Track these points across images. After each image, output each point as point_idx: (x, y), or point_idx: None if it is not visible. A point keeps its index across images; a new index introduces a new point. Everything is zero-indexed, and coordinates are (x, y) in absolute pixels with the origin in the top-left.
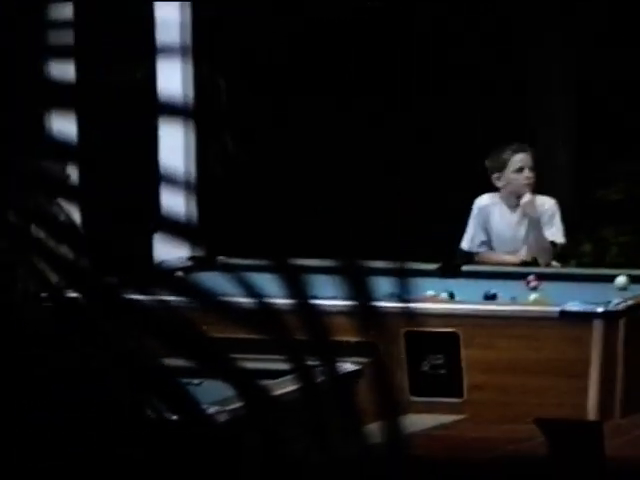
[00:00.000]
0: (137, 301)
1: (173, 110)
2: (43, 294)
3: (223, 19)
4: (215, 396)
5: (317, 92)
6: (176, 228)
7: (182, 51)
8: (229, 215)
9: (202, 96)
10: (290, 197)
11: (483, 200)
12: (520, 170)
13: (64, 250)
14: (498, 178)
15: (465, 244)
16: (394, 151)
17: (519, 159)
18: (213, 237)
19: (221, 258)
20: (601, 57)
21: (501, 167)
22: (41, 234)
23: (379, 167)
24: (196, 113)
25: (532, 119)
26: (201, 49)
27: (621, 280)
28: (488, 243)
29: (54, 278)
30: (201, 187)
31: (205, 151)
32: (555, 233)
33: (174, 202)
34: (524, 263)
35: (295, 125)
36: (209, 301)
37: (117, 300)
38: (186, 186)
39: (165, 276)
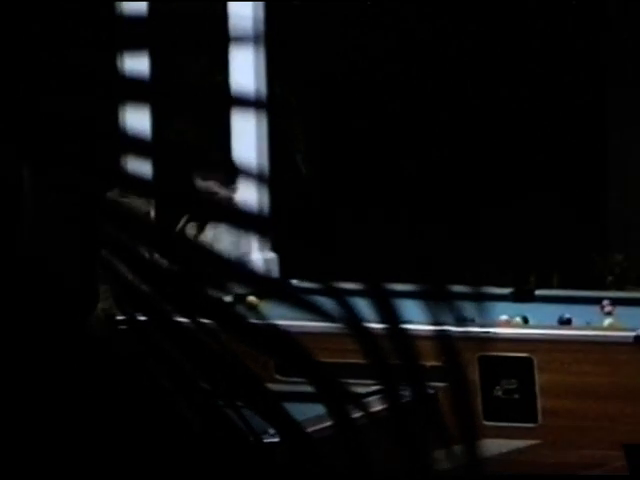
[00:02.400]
0: (244, 319)
1: (246, 103)
2: (121, 316)
3: (297, 38)
4: (300, 416)
5: (400, 111)
6: (247, 221)
7: (255, 41)
8: (304, 238)
9: (274, 110)
10: (370, 219)
11: None
12: None
13: (160, 261)
14: None
15: None
16: (472, 171)
17: None
18: (285, 238)
19: (295, 282)
20: None
21: None
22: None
23: (456, 188)
24: (269, 106)
25: (610, 139)
26: (274, 67)
27: None
28: None
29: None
30: (274, 188)
31: (278, 169)
32: None
33: (247, 197)
34: None
35: (372, 145)
36: (330, 320)
37: (228, 318)
38: (259, 180)
39: (290, 292)
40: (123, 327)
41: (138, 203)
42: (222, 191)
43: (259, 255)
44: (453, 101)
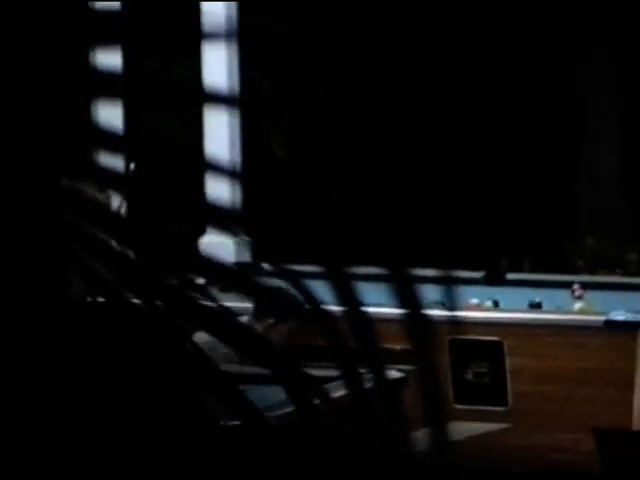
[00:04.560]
0: (205, 304)
1: (218, 99)
2: (94, 298)
3: (271, 26)
4: (263, 401)
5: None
6: (221, 216)
7: (227, 36)
8: (275, 221)
9: (247, 95)
10: (338, 203)
11: None
12: None
13: (124, 249)
14: None
15: None
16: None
17: None
18: (258, 222)
19: (266, 265)
20: None
21: None
22: (97, 230)
23: (425, 172)
24: (242, 103)
25: (581, 124)
26: (247, 54)
27: None
28: None
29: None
30: (247, 180)
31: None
32: None
33: (219, 191)
34: None
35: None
36: (283, 306)
37: (188, 302)
38: (231, 175)
39: (244, 277)
40: (93, 310)
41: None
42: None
43: (231, 239)
44: (428, 80)
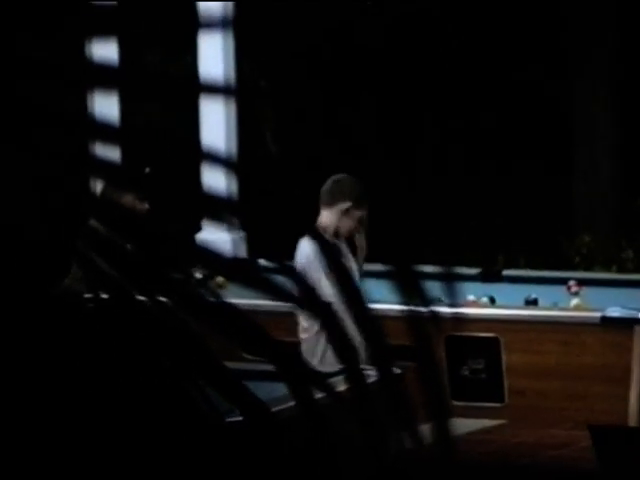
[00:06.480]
0: (210, 300)
1: (215, 90)
2: (89, 294)
3: (269, 21)
4: (266, 395)
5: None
6: (217, 207)
7: (224, 25)
8: (272, 216)
9: (243, 91)
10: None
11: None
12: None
13: (127, 244)
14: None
15: None
16: (441, 152)
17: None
18: (254, 217)
19: (262, 261)
20: None
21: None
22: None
23: (426, 170)
24: (238, 90)
25: (576, 125)
26: (243, 49)
27: None
28: None
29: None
30: (243, 170)
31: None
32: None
33: (216, 182)
34: None
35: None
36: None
37: (192, 297)
38: (227, 165)
39: (252, 272)
40: (90, 304)
41: (129, 199)
42: (138, 205)
43: (227, 234)
44: (429, 84)
